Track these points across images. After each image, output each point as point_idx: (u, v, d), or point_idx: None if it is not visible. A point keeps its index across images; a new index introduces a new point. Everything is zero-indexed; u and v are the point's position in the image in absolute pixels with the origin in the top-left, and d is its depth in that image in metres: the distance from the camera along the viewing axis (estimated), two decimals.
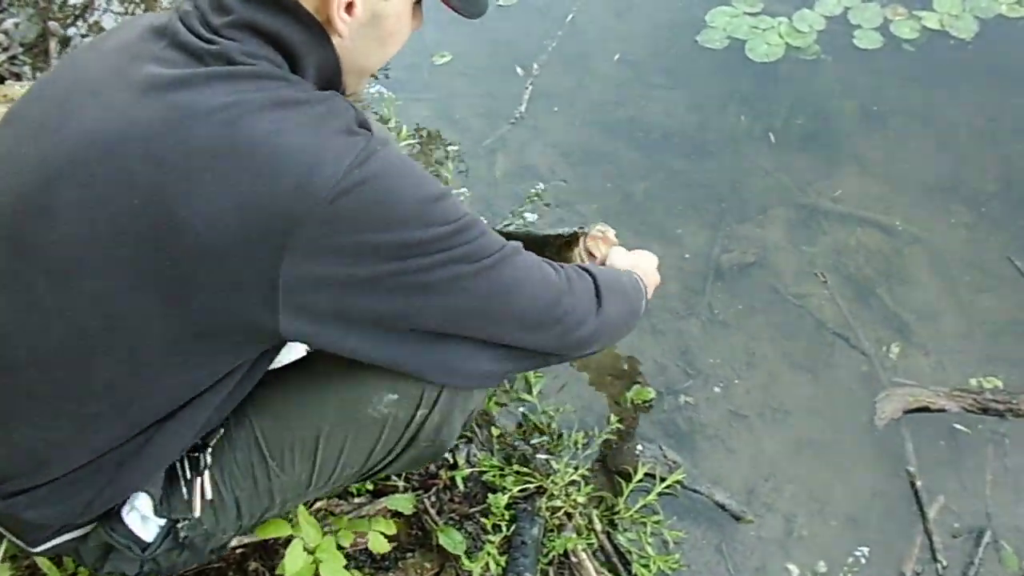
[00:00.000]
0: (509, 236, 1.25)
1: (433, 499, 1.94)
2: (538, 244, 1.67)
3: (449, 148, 2.59)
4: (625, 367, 2.20)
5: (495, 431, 2.05)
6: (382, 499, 1.85)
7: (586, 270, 1.39)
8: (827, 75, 2.89)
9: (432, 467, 2.00)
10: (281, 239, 0.99)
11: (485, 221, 1.23)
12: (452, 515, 1.92)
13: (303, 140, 1.00)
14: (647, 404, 2.11)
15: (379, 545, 1.68)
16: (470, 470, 1.97)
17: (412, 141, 2.71)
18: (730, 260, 2.40)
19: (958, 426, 2.04)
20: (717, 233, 2.46)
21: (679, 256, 2.42)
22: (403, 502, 1.84)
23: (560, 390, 2.15)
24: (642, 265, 1.69)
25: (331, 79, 1.16)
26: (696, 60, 2.97)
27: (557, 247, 1.81)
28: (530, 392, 2.09)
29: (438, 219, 1.08)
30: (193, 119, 1.00)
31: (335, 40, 1.13)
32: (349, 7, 1.11)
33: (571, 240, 1.80)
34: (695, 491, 1.96)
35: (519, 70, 2.98)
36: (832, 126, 2.75)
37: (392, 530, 1.72)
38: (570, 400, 2.13)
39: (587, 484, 1.94)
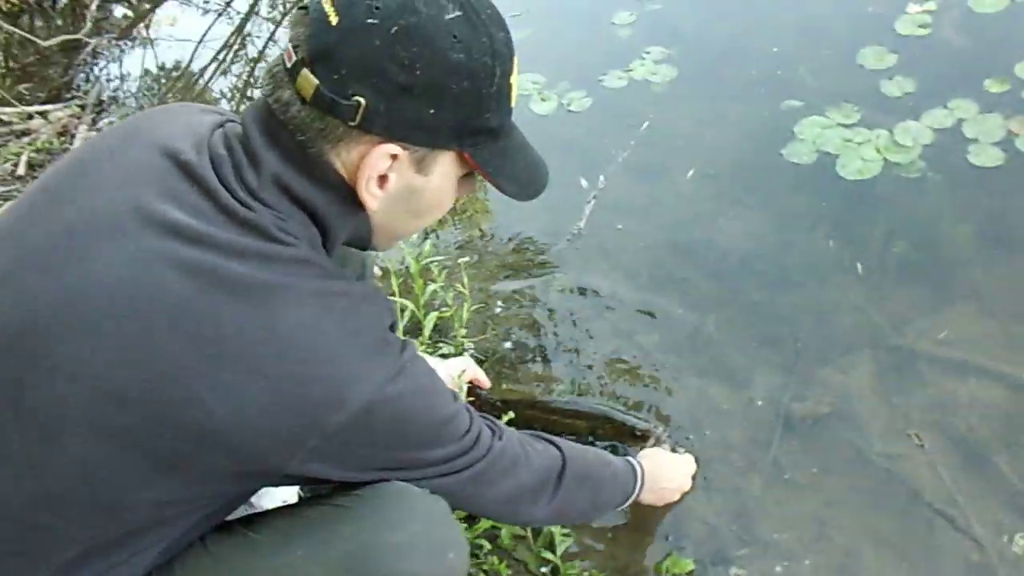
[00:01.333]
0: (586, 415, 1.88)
1: None
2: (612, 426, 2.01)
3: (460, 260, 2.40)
4: (669, 528, 1.89)
5: None
6: None
7: (562, 453, 1.45)
8: (934, 196, 2.54)
9: None
10: (298, 441, 1.03)
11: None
12: None
13: (341, 347, 1.03)
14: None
15: None
16: None
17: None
18: (803, 410, 2.06)
19: None
20: (791, 377, 2.14)
21: (746, 401, 2.10)
22: None
23: (589, 552, 1.86)
24: (666, 474, 1.81)
25: (362, 238, 1.18)
26: (781, 177, 2.69)
27: (626, 435, 2.01)
28: (553, 550, 1.81)
29: (447, 439, 1.19)
30: (230, 295, 0.99)
31: (368, 208, 1.11)
32: (382, 180, 1.08)
33: (642, 436, 1.99)
34: None
35: (584, 182, 2.79)
36: (939, 255, 2.39)
37: None
38: (600, 564, 1.84)
39: None
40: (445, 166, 1.12)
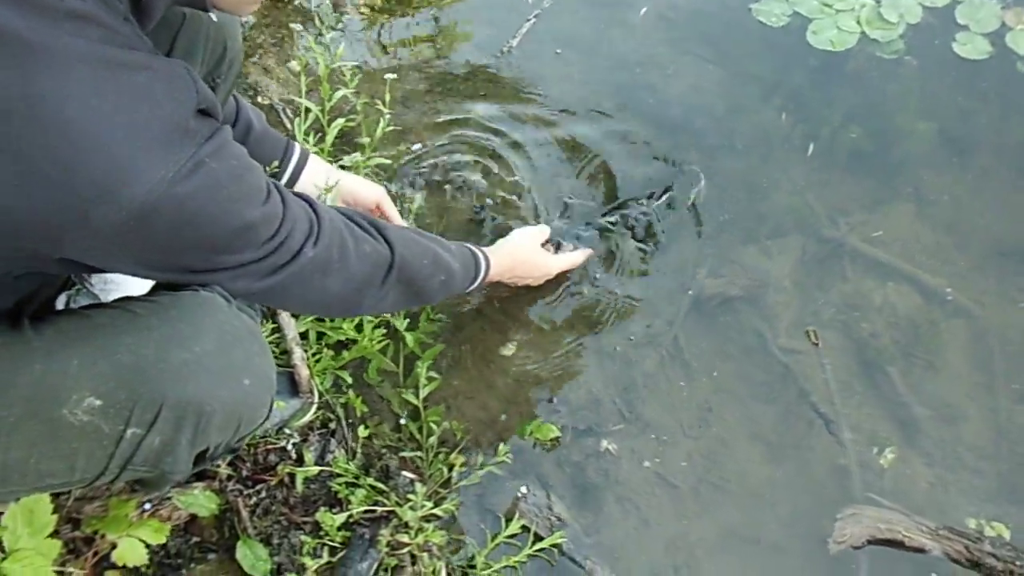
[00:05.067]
0: None
1: (260, 496, 1.65)
2: None
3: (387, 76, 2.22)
4: (551, 389, 1.85)
5: (363, 430, 1.73)
6: (174, 491, 1.54)
7: (392, 254, 1.34)
8: (905, 84, 2.41)
9: (271, 456, 1.71)
10: (66, 235, 0.91)
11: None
12: (278, 521, 1.64)
13: (117, 133, 0.88)
14: (551, 443, 1.77)
15: (132, 555, 1.38)
16: (318, 470, 1.69)
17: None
18: (715, 287, 2.00)
19: None
20: (709, 250, 2.07)
21: (657, 267, 2.03)
22: (203, 502, 1.54)
23: (456, 398, 1.82)
24: (522, 270, 1.82)
25: None
26: (744, 33, 2.53)
27: None
28: (416, 394, 1.76)
29: (244, 245, 1.06)
30: None
31: None
32: None
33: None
34: (574, 561, 1.64)
35: None
36: (894, 148, 2.29)
37: (160, 539, 1.42)
38: (466, 413, 1.80)
39: (450, 523, 1.67)
40: None
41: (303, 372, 1.72)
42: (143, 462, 1.15)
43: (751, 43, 2.52)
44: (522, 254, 1.83)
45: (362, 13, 2.56)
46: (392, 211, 1.88)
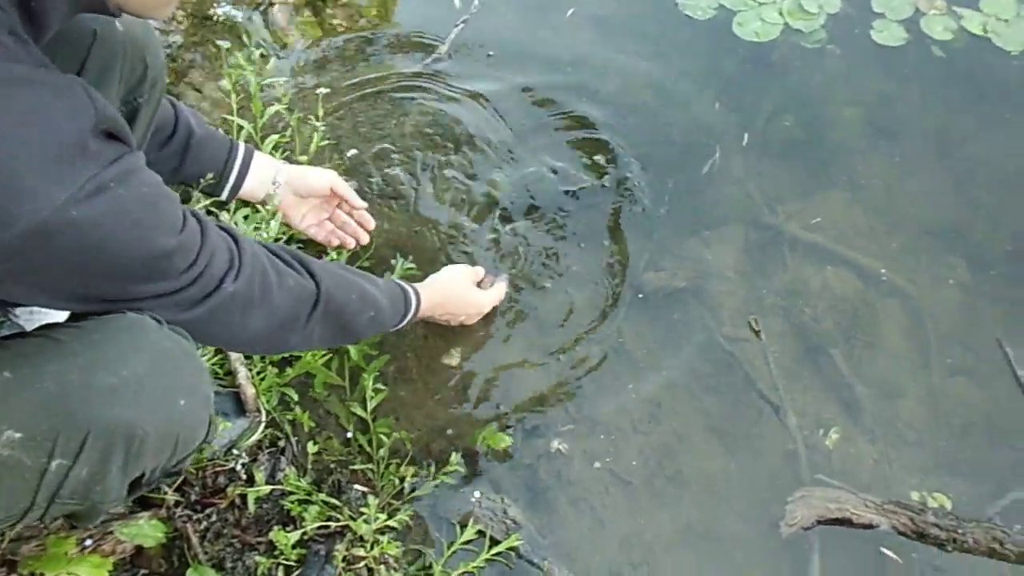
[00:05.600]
0: None
1: (211, 520, 1.62)
2: None
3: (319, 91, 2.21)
4: (497, 394, 1.85)
5: (313, 446, 1.71)
6: (116, 523, 1.50)
7: (318, 288, 1.33)
8: (830, 71, 2.48)
9: (221, 479, 1.68)
10: None
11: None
12: (230, 544, 1.61)
13: (7, 150, 0.84)
14: (503, 451, 1.77)
15: None
16: (270, 489, 1.66)
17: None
18: (658, 281, 2.02)
19: (886, 550, 1.68)
20: (650, 244, 2.09)
21: (597, 264, 2.05)
22: (148, 532, 1.50)
23: (404, 409, 1.81)
24: (452, 305, 1.79)
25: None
26: (672, 28, 2.57)
27: None
28: (364, 406, 1.75)
29: (160, 275, 1.04)
30: None
31: None
32: None
33: None
34: (532, 563, 1.64)
35: (457, 2, 2.59)
36: (824, 135, 2.34)
37: (101, 574, 1.39)
38: (415, 423, 1.79)
39: (405, 533, 1.65)
40: None
41: (249, 391, 1.70)
42: (71, 494, 1.10)
43: (680, 37, 2.55)
44: (453, 289, 1.81)
45: (293, 28, 2.54)
46: (348, 193, 1.87)
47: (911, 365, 1.94)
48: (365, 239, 1.95)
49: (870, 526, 1.69)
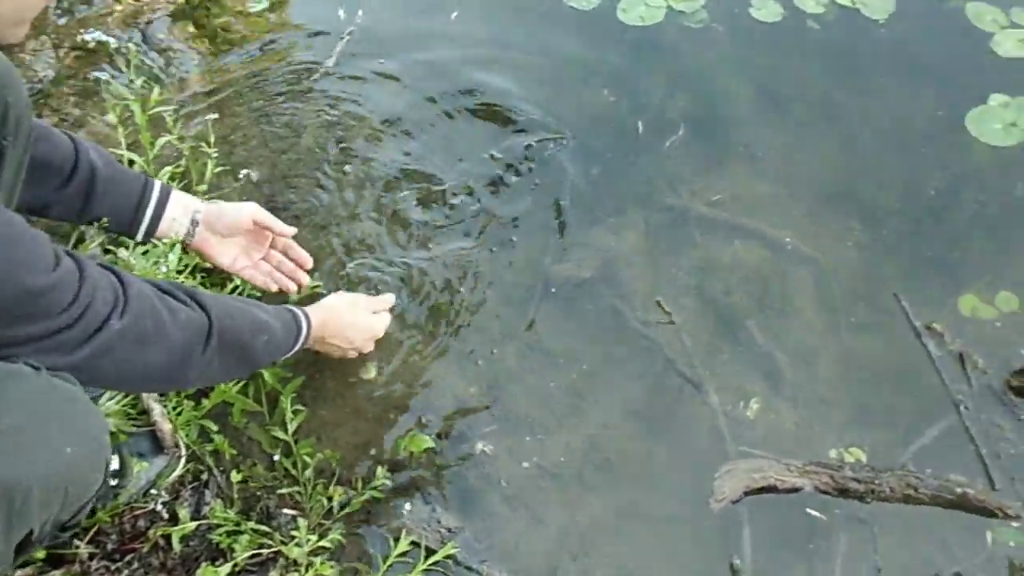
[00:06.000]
0: None
1: (132, 568, 1.58)
2: None
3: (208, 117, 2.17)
4: (418, 402, 1.83)
5: (237, 475, 1.68)
6: None
7: (207, 311, 1.32)
8: (716, 50, 2.53)
9: (141, 522, 1.64)
10: None
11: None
12: None
13: None
14: (428, 455, 1.75)
15: None
16: (195, 525, 1.63)
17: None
18: (565, 272, 2.03)
19: (812, 511, 1.71)
20: (554, 237, 2.10)
21: (505, 263, 2.05)
22: None
23: (326, 428, 1.78)
24: (340, 334, 1.73)
25: None
26: (559, 21, 2.58)
27: None
28: (285, 429, 1.72)
29: (37, 316, 1.03)
30: None
31: None
32: None
33: None
34: (471, 569, 1.63)
35: (341, 13, 2.57)
36: (718, 111, 2.39)
37: None
38: (338, 441, 1.76)
39: (339, 553, 1.63)
40: None
41: (165, 427, 1.65)
42: None
43: (567, 29, 2.57)
44: (341, 306, 1.76)
45: (175, 44, 2.48)
46: (274, 222, 1.83)
47: (822, 327, 1.98)
48: (305, 280, 1.91)
49: (795, 489, 1.73)
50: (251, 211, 1.80)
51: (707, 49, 2.52)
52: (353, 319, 1.76)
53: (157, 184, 1.71)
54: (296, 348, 1.60)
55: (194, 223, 1.75)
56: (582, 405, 1.84)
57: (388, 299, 1.88)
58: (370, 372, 1.87)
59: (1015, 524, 1.71)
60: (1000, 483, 1.76)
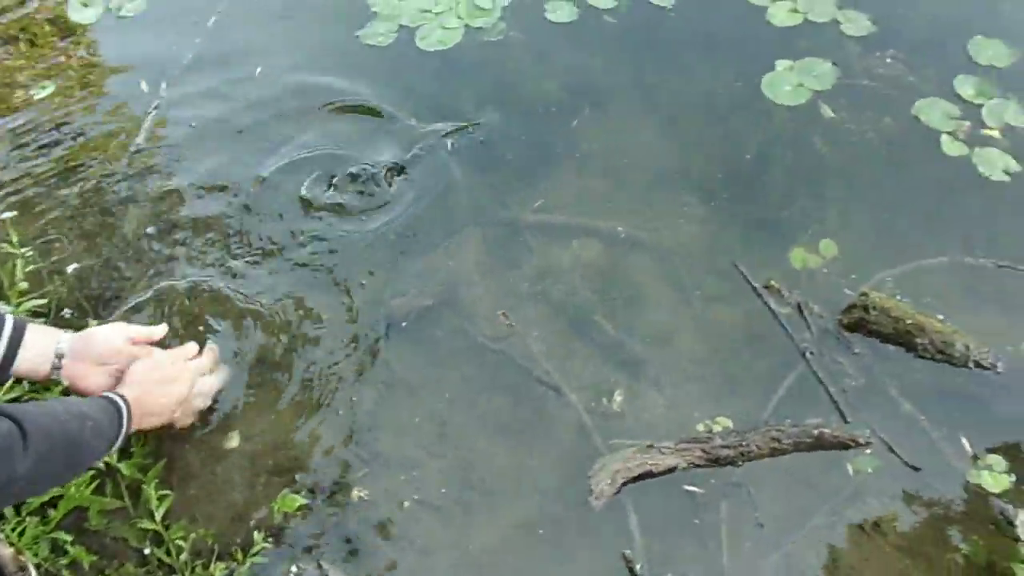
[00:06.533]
0: None
1: None
2: None
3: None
4: (283, 462, 1.80)
5: None
6: None
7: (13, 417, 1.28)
8: (518, 56, 2.59)
9: None
10: None
11: None
12: None
13: None
14: (301, 512, 1.72)
15: None
16: None
17: None
18: (406, 305, 2.03)
19: (690, 487, 1.76)
20: (391, 272, 2.09)
21: (346, 304, 2.03)
22: None
23: (198, 506, 1.72)
24: (151, 402, 1.64)
25: None
26: (361, 60, 2.60)
27: None
28: (152, 517, 1.65)
29: None
30: None
31: None
32: None
33: None
34: None
35: (144, 86, 2.52)
36: (531, 117, 2.44)
37: None
38: (212, 517, 1.71)
39: None
40: None
41: (5, 552, 1.56)
42: None
43: (368, 66, 2.58)
44: (144, 372, 1.67)
45: None
46: (145, 332, 1.76)
47: (671, 306, 2.04)
48: None
49: (671, 470, 1.77)
50: (123, 332, 1.72)
51: (510, 59, 2.58)
52: (161, 379, 1.67)
53: (9, 320, 1.59)
54: (124, 428, 1.54)
55: (59, 356, 1.64)
56: (449, 432, 1.84)
57: (190, 348, 1.81)
58: (232, 441, 1.83)
59: (868, 451, 1.80)
60: (850, 416, 1.85)
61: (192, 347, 1.80)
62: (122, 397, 1.56)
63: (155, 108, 2.46)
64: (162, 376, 1.68)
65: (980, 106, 2.44)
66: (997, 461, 1.80)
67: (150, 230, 2.17)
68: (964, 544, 1.71)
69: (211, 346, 1.85)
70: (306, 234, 2.16)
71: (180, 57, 2.60)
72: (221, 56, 2.61)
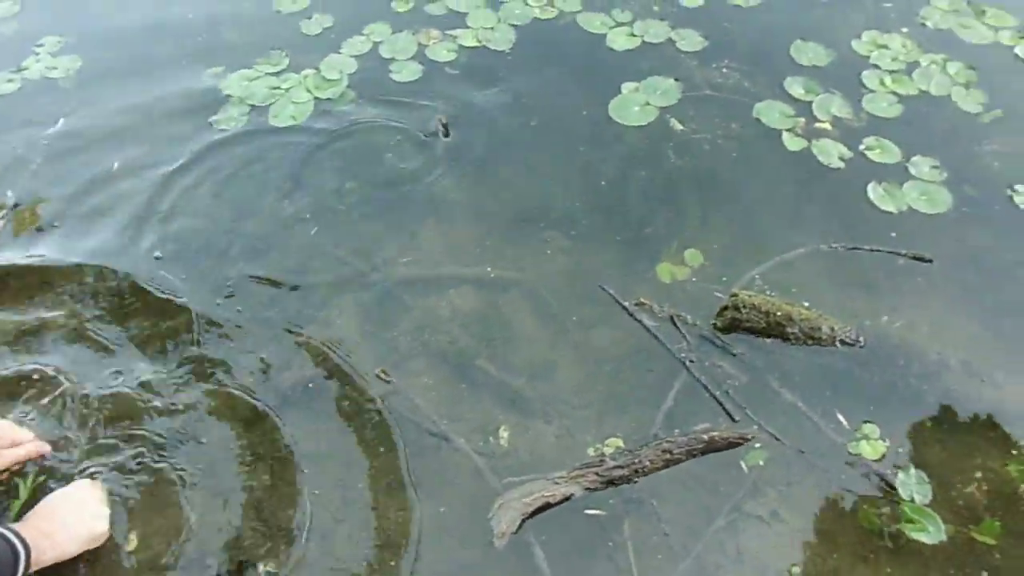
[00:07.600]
0: None
1: None
2: None
3: None
4: (191, 552, 1.76)
5: None
6: None
7: None
8: (369, 122, 2.66)
9: None
10: None
11: None
12: None
13: None
14: None
15: None
16: None
17: None
18: (291, 378, 2.03)
19: (591, 511, 1.79)
20: (274, 345, 2.09)
21: (233, 387, 2.02)
22: None
23: None
24: (60, 534, 1.62)
25: None
26: (213, 147, 2.60)
27: None
28: None
29: None
30: None
31: None
32: None
33: None
34: None
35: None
36: (391, 178, 2.49)
37: None
38: None
39: None
40: None
41: None
42: None
43: (221, 152, 2.59)
44: (54, 501, 1.69)
45: None
46: (20, 433, 1.77)
47: (549, 338, 2.09)
48: None
49: (568, 498, 1.79)
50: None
51: (362, 127, 2.63)
52: (64, 525, 1.66)
53: None
54: (24, 557, 1.51)
55: None
56: (351, 496, 1.84)
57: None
58: (131, 543, 1.78)
59: (758, 445, 1.87)
60: (737, 415, 1.91)
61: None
62: (10, 529, 1.53)
63: (3, 217, 2.42)
64: (77, 498, 1.70)
65: (810, 103, 2.61)
66: (872, 430, 1.88)
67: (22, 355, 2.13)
68: (857, 514, 1.77)
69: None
70: (202, 325, 2.15)
71: (30, 162, 2.58)
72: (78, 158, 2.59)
